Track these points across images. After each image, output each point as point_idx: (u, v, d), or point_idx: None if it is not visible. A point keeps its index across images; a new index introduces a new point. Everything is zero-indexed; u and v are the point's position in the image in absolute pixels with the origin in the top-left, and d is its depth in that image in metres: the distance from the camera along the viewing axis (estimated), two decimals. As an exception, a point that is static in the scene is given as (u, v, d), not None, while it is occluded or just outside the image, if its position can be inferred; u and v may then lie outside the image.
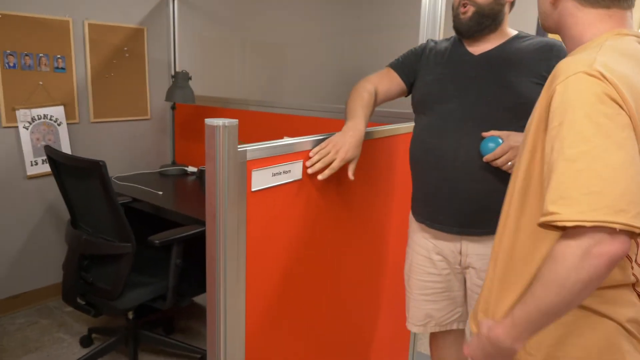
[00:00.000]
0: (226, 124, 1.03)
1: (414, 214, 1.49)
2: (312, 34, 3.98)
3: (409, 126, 1.70)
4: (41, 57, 2.42)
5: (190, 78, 2.65)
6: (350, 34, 4.22)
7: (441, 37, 1.84)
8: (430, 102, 1.36)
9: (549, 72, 1.16)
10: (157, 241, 1.75)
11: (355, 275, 1.61)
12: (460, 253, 1.39)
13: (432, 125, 1.35)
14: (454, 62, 1.35)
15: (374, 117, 2.05)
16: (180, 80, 2.60)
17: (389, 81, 1.47)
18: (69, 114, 2.57)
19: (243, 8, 3.41)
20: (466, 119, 1.29)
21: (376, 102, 1.44)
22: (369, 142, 1.53)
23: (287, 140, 1.23)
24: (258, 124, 2.59)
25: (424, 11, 1.82)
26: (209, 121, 1.04)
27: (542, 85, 1.20)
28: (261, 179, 1.16)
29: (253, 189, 1.14)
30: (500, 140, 1.25)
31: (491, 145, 1.25)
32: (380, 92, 1.45)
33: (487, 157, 1.25)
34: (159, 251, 2.17)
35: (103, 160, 1.67)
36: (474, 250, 1.36)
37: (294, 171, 1.26)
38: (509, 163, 1.22)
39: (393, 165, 1.71)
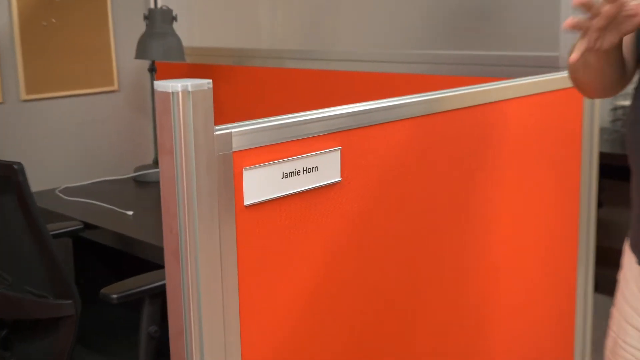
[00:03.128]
0: (190, 88, 1.02)
1: (633, 248, 1.45)
2: None
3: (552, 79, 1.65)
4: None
5: (175, 19, 2.67)
6: None
7: None
8: None
9: None
10: (114, 295, 1.74)
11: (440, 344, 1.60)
12: None
13: None
14: None
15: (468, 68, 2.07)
16: (157, 23, 2.62)
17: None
18: (-14, 90, 2.66)
19: None
20: None
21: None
22: (456, 114, 1.57)
23: (309, 114, 1.22)
24: (299, 89, 2.62)
25: None
26: (159, 85, 1.05)
27: None
28: (262, 184, 1.16)
29: (247, 203, 1.14)
30: None
31: None
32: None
33: None
34: (124, 311, 2.18)
35: (21, 163, 1.68)
36: None
37: (326, 167, 1.26)
38: None
39: (510, 155, 1.72)
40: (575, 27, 1.23)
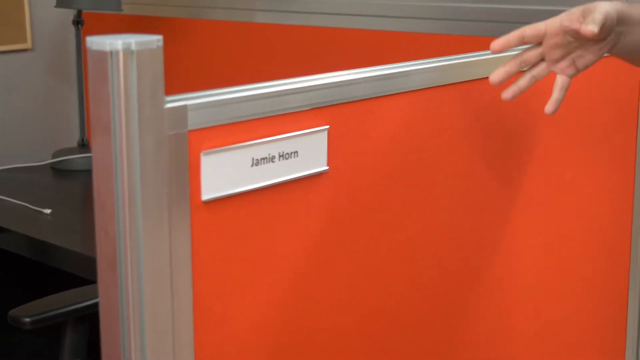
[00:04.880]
0: (133, 47, 1.02)
1: None
2: None
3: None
4: None
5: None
6: None
7: None
8: None
9: None
10: (27, 319, 1.75)
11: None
12: None
13: None
14: None
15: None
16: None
17: None
18: None
19: None
20: None
21: None
22: (475, 85, 1.60)
23: (285, 83, 1.23)
24: (270, 49, 2.63)
25: None
26: (93, 42, 1.03)
27: None
28: (225, 174, 1.16)
29: (205, 198, 1.15)
30: None
31: None
32: None
33: None
34: (40, 340, 2.19)
35: None
36: None
37: (308, 152, 1.27)
38: None
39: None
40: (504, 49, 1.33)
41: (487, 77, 1.55)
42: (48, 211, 2.35)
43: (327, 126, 1.28)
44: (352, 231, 1.37)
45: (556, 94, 1.34)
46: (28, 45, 2.98)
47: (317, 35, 2.49)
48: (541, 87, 1.69)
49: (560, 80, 1.35)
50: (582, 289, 2.00)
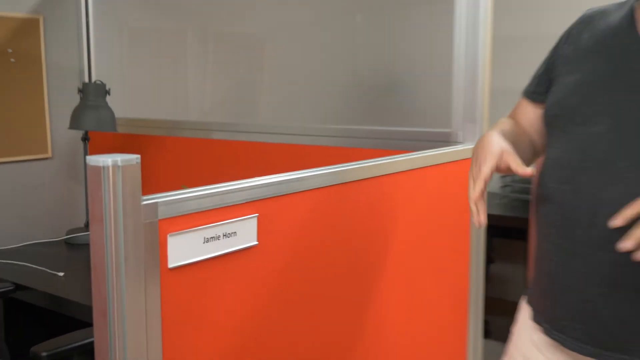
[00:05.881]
0: (120, 163, 1.03)
1: (528, 301, 1.41)
2: (304, 20, 4.03)
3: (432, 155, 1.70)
4: None
5: (108, 92, 2.67)
6: (362, 18, 4.26)
7: (487, 27, 1.86)
8: (563, 120, 1.27)
9: None
10: (44, 354, 1.70)
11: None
12: None
13: (562, 159, 1.26)
14: (614, 48, 1.24)
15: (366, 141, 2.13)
16: (91, 96, 2.62)
17: (522, 115, 1.46)
18: None
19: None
20: (618, 155, 1.16)
21: (528, 135, 1.43)
22: (360, 184, 1.59)
23: (229, 185, 1.23)
24: (224, 159, 2.63)
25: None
26: (92, 160, 1.04)
27: None
28: (184, 249, 1.15)
29: (171, 265, 1.14)
30: None
31: None
32: (525, 128, 1.44)
33: None
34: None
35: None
36: None
37: (243, 233, 1.26)
38: None
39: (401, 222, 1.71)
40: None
41: (368, 179, 1.58)
42: (62, 274, 2.31)
43: (257, 214, 1.28)
44: (275, 287, 1.36)
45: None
46: (49, 155, 2.95)
47: (252, 148, 2.51)
48: (397, 190, 1.74)
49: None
50: (431, 311, 1.95)
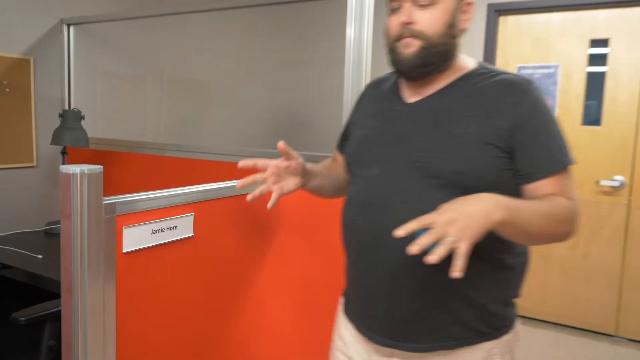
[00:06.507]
0: (86, 171, 0.99)
1: (344, 301, 1.33)
2: (236, 68, 4.00)
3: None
4: None
5: (82, 117, 2.56)
6: (278, 68, 4.29)
7: (367, 75, 1.86)
8: (354, 166, 1.23)
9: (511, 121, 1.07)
10: (22, 318, 1.60)
11: (258, 349, 1.56)
12: None
13: (355, 196, 1.20)
14: (385, 110, 1.20)
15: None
16: (69, 120, 2.50)
17: (336, 161, 1.40)
18: None
19: (155, 38, 3.38)
20: (389, 193, 1.11)
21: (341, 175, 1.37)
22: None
23: (170, 191, 1.20)
24: (173, 171, 2.56)
25: (348, 43, 1.84)
26: (64, 168, 1.00)
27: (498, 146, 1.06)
28: (136, 238, 1.12)
29: (125, 250, 1.10)
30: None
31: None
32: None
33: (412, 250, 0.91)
34: (31, 332, 2.00)
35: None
36: None
37: (182, 227, 1.23)
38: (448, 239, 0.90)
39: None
40: (246, 166, 1.20)
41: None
42: (40, 256, 2.19)
43: (193, 213, 1.25)
44: (207, 269, 1.33)
45: (273, 199, 1.18)
46: (34, 164, 2.79)
47: (197, 164, 2.46)
48: (280, 212, 1.66)
49: (274, 195, 1.19)
50: (303, 311, 1.77)
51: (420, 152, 1.09)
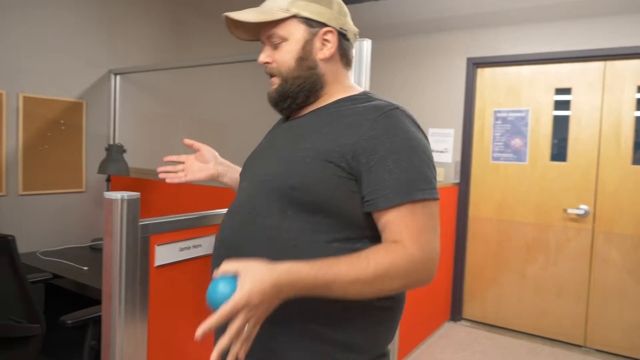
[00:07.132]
0: (125, 197, 1.02)
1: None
2: (250, 110, 4.08)
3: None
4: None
5: (124, 151, 2.61)
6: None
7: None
8: (240, 177, 1.09)
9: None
10: (69, 321, 1.61)
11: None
12: None
13: (231, 205, 1.05)
14: (271, 131, 1.10)
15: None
16: (114, 153, 2.56)
17: None
18: (-6, 187, 2.46)
19: (186, 85, 3.47)
20: (248, 203, 0.97)
21: None
22: None
23: (196, 214, 1.21)
24: (199, 197, 2.57)
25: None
26: (107, 194, 1.03)
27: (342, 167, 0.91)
28: (166, 254, 1.13)
29: (157, 264, 1.11)
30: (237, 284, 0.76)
31: (222, 289, 0.75)
32: None
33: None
34: (76, 333, 2.01)
35: (14, 235, 1.57)
36: None
37: (206, 245, 1.24)
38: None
39: None
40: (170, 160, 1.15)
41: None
42: (86, 268, 2.21)
43: (214, 234, 1.25)
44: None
45: (173, 176, 1.13)
46: (83, 189, 2.84)
47: (217, 189, 2.49)
48: None
49: (179, 174, 1.13)
50: None
51: (272, 166, 0.97)
